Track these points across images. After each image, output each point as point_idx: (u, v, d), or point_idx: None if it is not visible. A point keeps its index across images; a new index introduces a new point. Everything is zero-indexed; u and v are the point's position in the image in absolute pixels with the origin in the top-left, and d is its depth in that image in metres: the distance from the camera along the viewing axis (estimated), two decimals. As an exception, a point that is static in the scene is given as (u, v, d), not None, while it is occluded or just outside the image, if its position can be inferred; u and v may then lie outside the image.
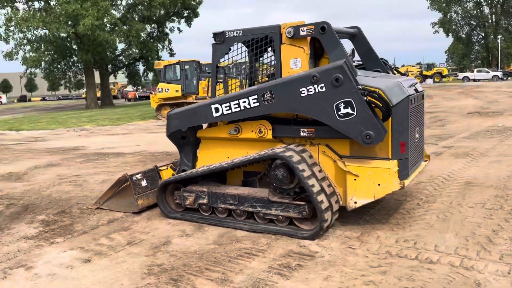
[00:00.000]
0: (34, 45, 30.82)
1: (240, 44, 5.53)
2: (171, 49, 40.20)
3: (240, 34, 5.44)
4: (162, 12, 37.25)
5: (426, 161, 5.82)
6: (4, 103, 69.53)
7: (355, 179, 4.79)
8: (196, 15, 38.02)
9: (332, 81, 4.58)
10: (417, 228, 4.89)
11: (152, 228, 5.40)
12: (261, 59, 5.48)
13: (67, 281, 4.04)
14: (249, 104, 5.11)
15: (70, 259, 4.52)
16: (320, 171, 4.95)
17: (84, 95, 46.26)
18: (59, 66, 34.10)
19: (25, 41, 30.21)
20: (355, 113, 4.54)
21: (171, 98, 21.46)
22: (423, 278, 3.75)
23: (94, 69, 35.32)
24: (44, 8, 31.01)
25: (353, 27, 5.80)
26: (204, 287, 3.81)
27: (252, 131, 5.35)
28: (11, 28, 28.76)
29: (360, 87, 4.53)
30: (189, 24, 38.78)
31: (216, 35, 5.61)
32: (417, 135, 5.12)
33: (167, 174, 6.30)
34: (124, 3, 35.87)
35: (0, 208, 6.55)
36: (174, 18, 37.89)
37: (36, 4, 32.02)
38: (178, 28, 39.78)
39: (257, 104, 5.06)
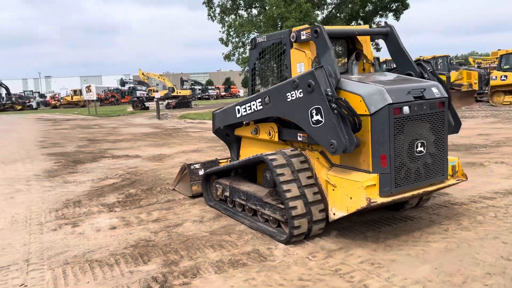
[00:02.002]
0: (248, 47, 35.24)
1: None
2: (376, 44, 39.48)
3: (265, 40, 5.69)
4: (371, 7, 36.93)
5: (459, 180, 4.88)
6: (241, 96, 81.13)
7: (333, 189, 4.57)
8: (405, 7, 36.22)
9: (306, 87, 4.49)
10: (402, 254, 4.32)
11: (187, 211, 6.22)
12: (279, 63, 5.59)
13: (82, 239, 5.25)
14: (256, 107, 5.37)
15: (105, 225, 5.76)
16: (309, 177, 4.85)
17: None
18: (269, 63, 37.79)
19: (240, 44, 34.66)
20: (323, 121, 4.36)
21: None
22: (328, 301, 3.51)
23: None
24: (258, 12, 34.86)
25: (386, 26, 5.29)
26: (151, 265, 4.43)
27: (265, 132, 5.58)
28: (231, 33, 33.47)
29: (330, 93, 4.31)
30: (397, 18, 37.25)
31: (251, 41, 6.00)
32: (420, 148, 4.44)
33: (225, 167, 6.99)
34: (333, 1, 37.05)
35: (117, 180, 8.45)
36: (381, 12, 36.98)
37: (254, 11, 36.19)
38: (385, 23, 38.63)
39: (261, 107, 5.29)
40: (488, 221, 5.07)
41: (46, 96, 70.80)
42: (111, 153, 12.14)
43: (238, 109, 5.74)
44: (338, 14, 36.45)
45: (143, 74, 57.98)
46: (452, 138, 11.44)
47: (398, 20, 36.98)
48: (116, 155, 11.66)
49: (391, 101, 4.19)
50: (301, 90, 4.58)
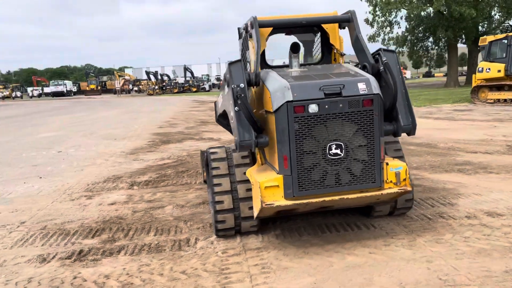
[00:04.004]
0: (395, 26, 32.91)
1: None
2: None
3: (242, 30, 5.62)
4: None
5: (403, 189, 4.11)
6: (407, 78, 76.95)
7: (252, 187, 4.42)
8: None
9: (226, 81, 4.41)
10: (305, 263, 3.98)
11: (184, 195, 6.60)
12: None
13: (78, 210, 6.10)
14: (220, 98, 5.42)
15: (110, 200, 6.54)
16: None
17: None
18: (422, 44, 34.73)
19: (386, 23, 32.56)
20: (234, 117, 4.24)
21: (492, 79, 18.77)
22: (174, 297, 3.57)
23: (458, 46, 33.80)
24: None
25: (347, 11, 4.70)
26: (94, 239, 4.96)
27: (234, 125, 5.57)
28: (377, 12, 31.70)
29: (238, 89, 4.15)
30: None
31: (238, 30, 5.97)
32: (336, 151, 3.93)
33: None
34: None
35: (170, 161, 9.28)
36: None
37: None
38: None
39: (222, 99, 5.32)
40: (450, 242, 4.21)
41: (221, 80, 78.32)
42: (202, 135, 13.20)
43: (220, 100, 5.85)
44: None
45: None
46: None
47: None
48: (202, 138, 12.65)
49: (290, 99, 3.84)
50: (227, 84, 4.52)
